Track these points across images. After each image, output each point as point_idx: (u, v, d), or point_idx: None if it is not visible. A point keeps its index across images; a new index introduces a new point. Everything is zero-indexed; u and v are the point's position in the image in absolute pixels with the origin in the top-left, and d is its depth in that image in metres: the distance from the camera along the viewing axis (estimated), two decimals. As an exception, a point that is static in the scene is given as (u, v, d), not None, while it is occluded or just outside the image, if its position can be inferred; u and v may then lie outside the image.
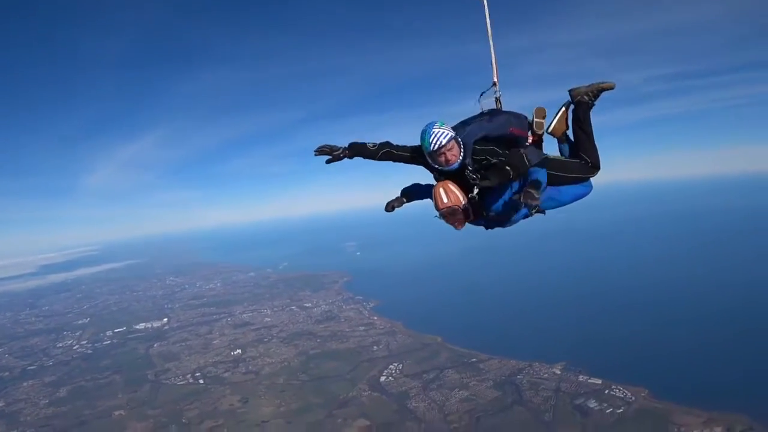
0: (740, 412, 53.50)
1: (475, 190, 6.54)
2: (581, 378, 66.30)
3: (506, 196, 6.61)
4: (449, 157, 6.31)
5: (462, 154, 6.35)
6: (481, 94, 7.08)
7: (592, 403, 59.51)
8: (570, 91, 6.90)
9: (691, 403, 56.19)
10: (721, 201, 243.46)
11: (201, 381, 76.11)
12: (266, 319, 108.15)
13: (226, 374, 77.98)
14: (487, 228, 7.12)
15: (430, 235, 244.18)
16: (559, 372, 68.87)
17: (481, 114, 6.88)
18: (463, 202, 6.51)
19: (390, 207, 7.35)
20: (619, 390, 61.71)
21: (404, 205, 7.53)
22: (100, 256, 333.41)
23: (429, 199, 6.86)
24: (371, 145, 6.91)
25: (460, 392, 65.78)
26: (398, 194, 7.53)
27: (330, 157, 6.92)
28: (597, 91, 6.83)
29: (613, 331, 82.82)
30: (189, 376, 78.33)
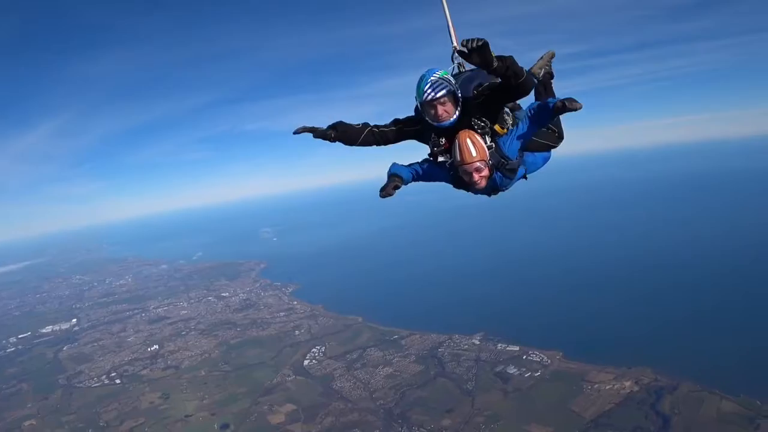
0: (646, 365, 57.62)
1: (488, 140, 5.92)
2: (499, 346, 69.00)
3: (518, 144, 6.08)
4: (440, 113, 5.74)
5: (458, 111, 5.81)
6: (452, 62, 6.64)
7: (512, 369, 62.12)
8: (530, 71, 6.86)
9: (603, 362, 59.87)
10: (623, 172, 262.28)
11: (117, 381, 73.27)
12: (183, 311, 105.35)
13: (144, 372, 75.46)
14: (489, 195, 6.60)
15: (346, 217, 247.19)
16: (478, 342, 71.20)
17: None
18: (488, 155, 5.89)
19: (386, 193, 6.20)
20: (536, 354, 64.79)
21: (400, 189, 6.41)
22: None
23: (421, 181, 6.47)
24: (356, 125, 6.39)
25: (384, 369, 66.89)
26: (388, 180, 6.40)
27: (313, 134, 6.33)
28: (549, 61, 6.98)
29: (526, 300, 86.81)
30: (104, 377, 75.16)
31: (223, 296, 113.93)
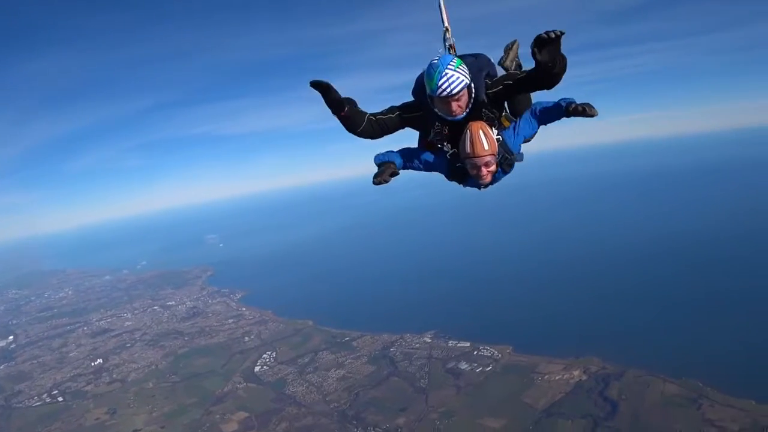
0: (593, 355, 59.69)
1: (495, 132, 5.64)
2: (450, 343, 69.94)
3: (521, 139, 5.92)
4: (454, 108, 5.39)
5: (470, 104, 5.49)
6: (444, 45, 6.25)
7: (463, 365, 62.93)
8: (502, 65, 6.74)
9: (552, 354, 61.73)
10: (574, 170, 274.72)
11: (60, 399, 70.53)
12: (127, 323, 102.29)
13: (88, 387, 72.91)
14: (480, 188, 6.18)
15: (293, 221, 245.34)
16: (429, 340, 71.84)
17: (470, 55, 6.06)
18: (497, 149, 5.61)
19: (381, 179, 5.77)
20: (487, 350, 65.88)
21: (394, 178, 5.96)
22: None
23: (412, 169, 6.15)
24: (361, 110, 5.82)
25: (337, 371, 66.74)
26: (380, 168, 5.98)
27: (327, 95, 5.54)
28: (516, 52, 6.86)
29: (476, 298, 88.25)
30: (45, 395, 72.17)
31: (169, 305, 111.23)
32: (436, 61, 5.25)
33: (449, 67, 5.17)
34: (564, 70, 5.08)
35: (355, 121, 5.71)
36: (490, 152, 5.48)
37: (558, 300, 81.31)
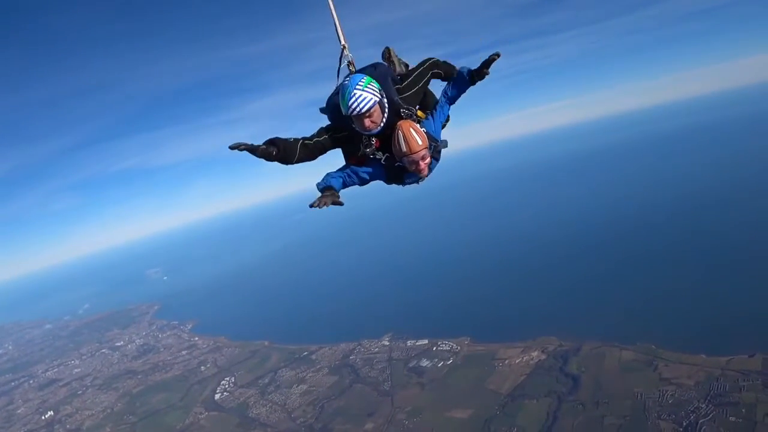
0: (549, 335, 61.10)
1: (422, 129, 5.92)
2: (409, 343, 70.16)
3: (440, 125, 6.25)
4: (368, 125, 5.64)
5: (385, 116, 5.75)
6: (340, 66, 6.51)
7: (424, 362, 63.29)
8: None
9: (509, 339, 62.98)
10: (496, 163, 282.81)
11: (12, 458, 67.36)
12: (75, 370, 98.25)
13: (41, 442, 69.82)
14: (418, 182, 6.45)
15: (234, 245, 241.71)
16: (387, 343, 71.90)
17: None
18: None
19: (321, 202, 5.75)
20: (445, 344, 66.51)
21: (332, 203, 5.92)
22: None
23: (352, 186, 6.19)
24: (289, 139, 5.89)
25: (299, 387, 66.11)
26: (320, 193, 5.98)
27: (254, 152, 5.65)
28: (396, 56, 6.98)
29: (426, 295, 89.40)
30: (-4, 456, 68.88)
31: (118, 346, 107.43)
32: (346, 82, 5.57)
33: (357, 87, 5.47)
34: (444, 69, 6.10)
35: (288, 154, 5.81)
36: (423, 146, 5.73)
37: (506, 288, 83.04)
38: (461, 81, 6.16)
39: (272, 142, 5.76)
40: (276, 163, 5.82)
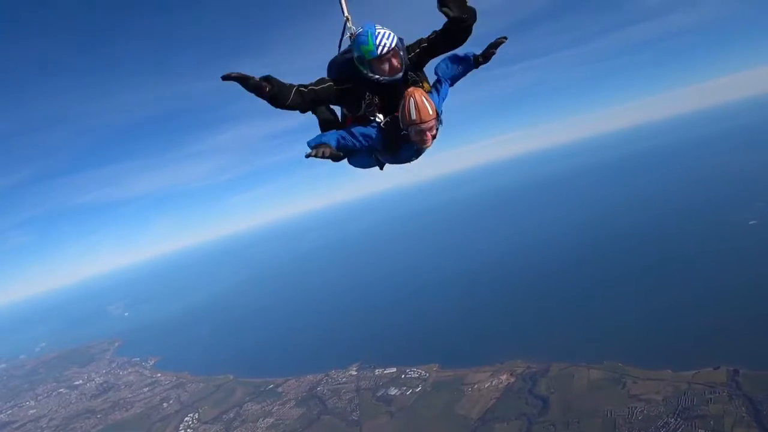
0: (518, 358, 61.18)
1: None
2: (377, 371, 69.14)
3: (442, 102, 5.96)
4: (395, 65, 5.44)
5: (404, 60, 5.53)
6: (342, 38, 6.15)
7: (393, 391, 62.32)
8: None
9: (477, 364, 62.62)
10: (449, 194, 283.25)
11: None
12: (31, 411, 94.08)
13: (-8, 489, 66.41)
14: (412, 160, 6.33)
15: (194, 280, 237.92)
16: (355, 372, 70.80)
17: None
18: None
19: (318, 153, 5.60)
20: (413, 371, 65.75)
21: (329, 155, 5.77)
22: None
23: (351, 148, 5.91)
24: (285, 82, 5.38)
25: (266, 420, 64.53)
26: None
27: (246, 84, 5.04)
28: None
29: (390, 324, 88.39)
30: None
31: (77, 385, 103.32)
32: (361, 30, 5.37)
33: (378, 28, 5.30)
34: (475, 19, 5.24)
35: (281, 95, 5.33)
36: (433, 116, 5.55)
37: (474, 313, 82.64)
38: (465, 62, 5.94)
39: (267, 78, 5.27)
40: (265, 102, 5.27)
